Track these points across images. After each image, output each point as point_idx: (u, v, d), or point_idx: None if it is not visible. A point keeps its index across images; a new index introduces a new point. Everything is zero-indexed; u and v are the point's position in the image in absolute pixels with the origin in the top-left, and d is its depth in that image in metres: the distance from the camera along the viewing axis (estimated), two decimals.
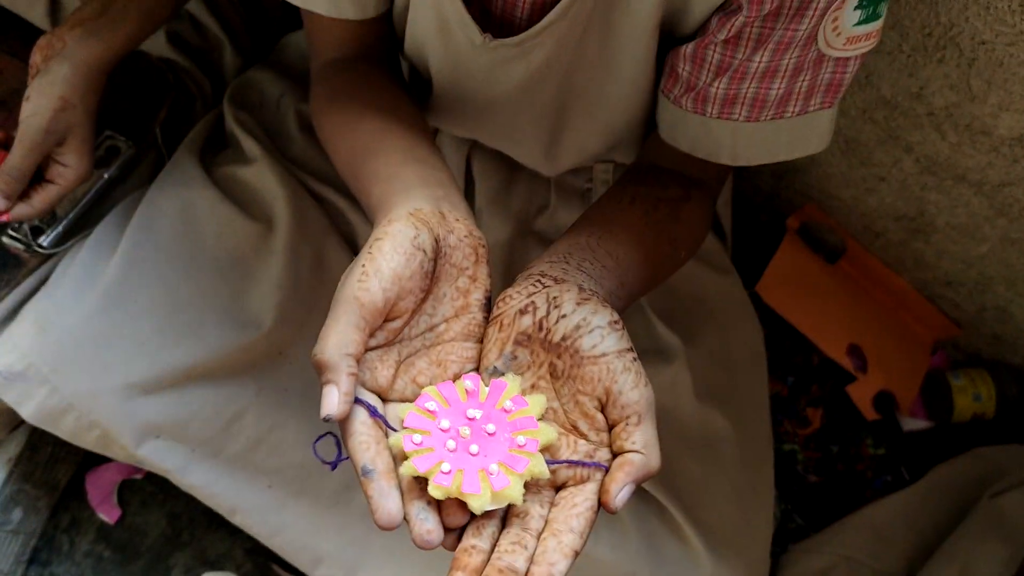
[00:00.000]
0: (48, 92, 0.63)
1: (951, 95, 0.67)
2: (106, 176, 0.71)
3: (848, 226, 0.88)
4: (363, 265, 0.40)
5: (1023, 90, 0.62)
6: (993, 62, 0.62)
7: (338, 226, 0.72)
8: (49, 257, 0.68)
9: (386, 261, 0.40)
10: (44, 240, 0.68)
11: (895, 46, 0.67)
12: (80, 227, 0.70)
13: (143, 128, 0.75)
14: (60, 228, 0.69)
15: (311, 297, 0.68)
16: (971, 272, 0.82)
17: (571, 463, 0.39)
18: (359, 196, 0.52)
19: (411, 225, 0.41)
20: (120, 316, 0.64)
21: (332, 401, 0.37)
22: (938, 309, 0.87)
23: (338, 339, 0.38)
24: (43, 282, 0.66)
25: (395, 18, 0.60)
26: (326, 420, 0.37)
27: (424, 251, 0.41)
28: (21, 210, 0.64)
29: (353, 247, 0.72)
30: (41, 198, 0.64)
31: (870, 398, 0.85)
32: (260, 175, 0.70)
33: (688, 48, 0.52)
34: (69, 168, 0.65)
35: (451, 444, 0.38)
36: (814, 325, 0.84)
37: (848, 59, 0.50)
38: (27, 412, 0.63)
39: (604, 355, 0.39)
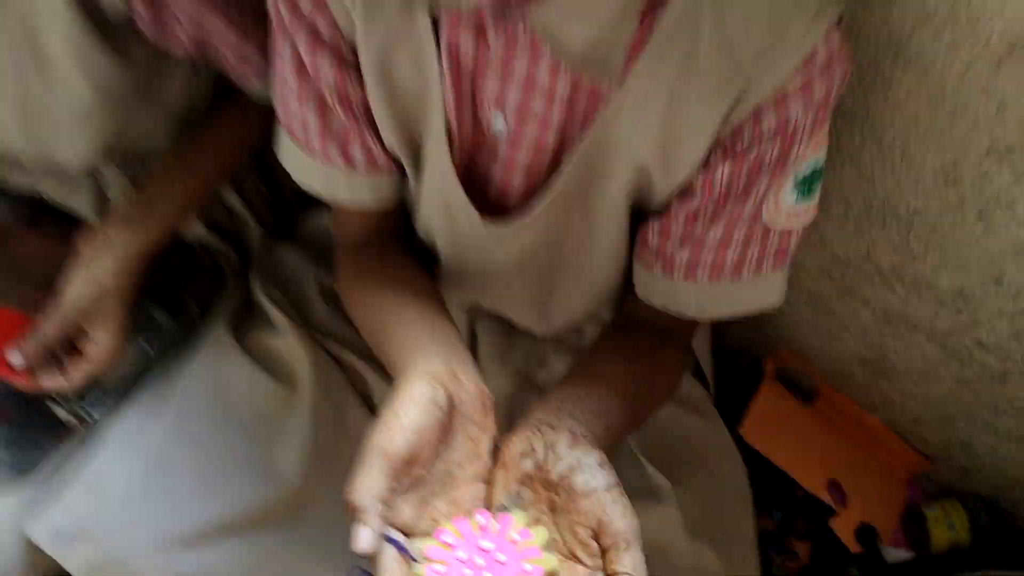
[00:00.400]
0: (90, 281, 0.71)
1: (895, 255, 0.76)
2: (148, 350, 0.79)
3: (820, 370, 0.96)
4: (389, 420, 0.47)
5: (956, 250, 0.72)
6: (927, 227, 0.72)
7: (356, 386, 0.79)
8: (96, 422, 0.75)
9: (408, 417, 0.47)
10: (92, 408, 0.75)
11: (843, 214, 0.77)
12: (123, 392, 0.77)
13: (179, 300, 0.83)
14: (106, 398, 0.76)
15: (333, 452, 0.74)
16: (933, 411, 0.89)
17: None
18: (381, 357, 0.60)
19: (429, 385, 0.49)
20: (162, 477, 0.70)
21: (364, 538, 0.43)
22: (908, 445, 0.94)
23: (368, 484, 0.45)
24: (92, 446, 0.73)
25: (408, 204, 0.70)
26: (358, 555, 0.43)
27: (440, 408, 0.48)
28: (56, 382, 0.71)
29: (370, 405, 0.79)
30: (74, 371, 0.71)
31: (852, 531, 0.90)
32: (285, 342, 0.78)
33: (655, 223, 0.62)
34: (100, 346, 0.72)
35: (468, 573, 0.44)
36: (794, 462, 0.91)
37: (790, 230, 0.60)
38: (74, 567, 0.68)
39: (595, 490, 0.46)
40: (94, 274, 0.72)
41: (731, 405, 0.94)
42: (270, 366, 0.77)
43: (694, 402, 0.83)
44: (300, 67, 0.61)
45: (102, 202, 0.86)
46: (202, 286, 0.85)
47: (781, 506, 0.93)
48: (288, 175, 0.69)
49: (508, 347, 0.82)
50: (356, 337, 0.80)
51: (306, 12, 0.58)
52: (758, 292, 0.63)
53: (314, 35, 0.59)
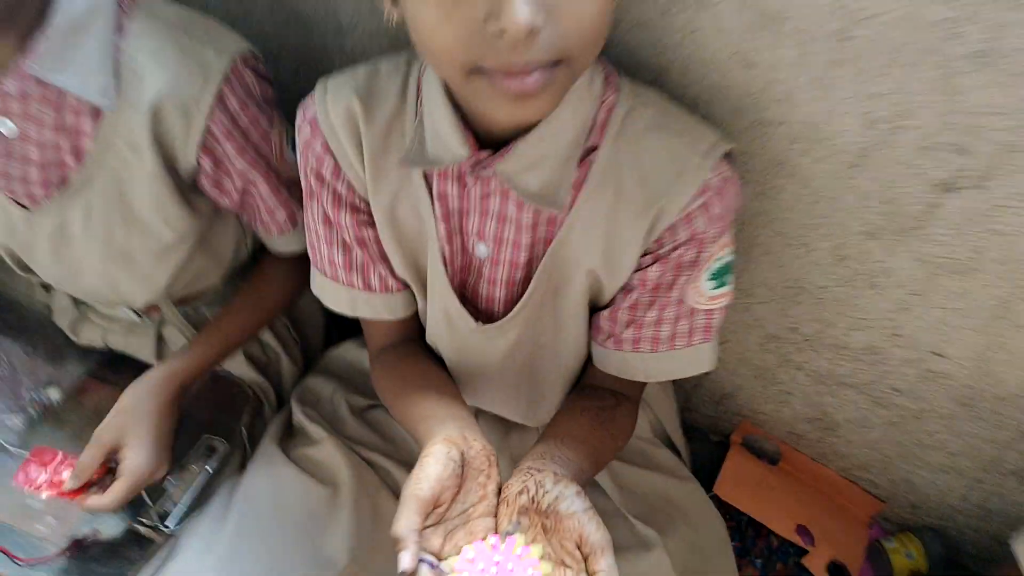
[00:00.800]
0: (117, 412, 0.88)
1: (814, 325, 0.94)
2: (209, 470, 0.94)
3: (777, 433, 1.11)
4: (417, 473, 0.63)
5: (858, 314, 0.89)
6: (832, 298, 0.90)
7: (388, 483, 0.94)
8: (174, 533, 0.89)
9: (432, 469, 0.63)
10: (169, 522, 0.89)
11: (767, 296, 0.95)
12: (194, 507, 0.91)
13: (231, 429, 0.99)
14: (179, 511, 0.90)
15: (373, 539, 0.88)
16: (874, 455, 1.04)
17: None
18: (410, 431, 0.76)
19: (446, 446, 0.65)
20: (233, 570, 0.84)
21: (406, 560, 0.58)
22: (862, 489, 1.09)
23: (406, 521, 0.60)
24: (173, 551, 0.86)
25: (420, 315, 0.88)
26: (405, 572, 0.58)
27: (455, 462, 0.64)
28: (97, 501, 0.84)
29: (394, 495, 0.93)
30: (112, 489, 0.84)
31: (824, 567, 1.03)
32: (325, 452, 0.93)
33: (606, 312, 0.79)
34: (127, 463, 0.85)
35: None
36: (766, 513, 1.05)
37: (711, 311, 0.77)
38: None
39: (575, 513, 0.61)
40: (122, 405, 0.88)
41: (707, 473, 1.09)
42: (314, 472, 0.92)
43: (671, 469, 0.99)
44: (326, 219, 0.80)
45: (161, 346, 1.03)
46: (249, 414, 1.01)
47: (760, 554, 1.06)
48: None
49: (505, 440, 0.98)
50: (384, 443, 0.97)
51: (329, 179, 0.77)
52: (692, 360, 0.80)
53: (336, 196, 0.78)
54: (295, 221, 0.93)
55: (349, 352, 1.07)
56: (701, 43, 0.75)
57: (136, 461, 0.86)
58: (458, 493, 0.65)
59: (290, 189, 0.90)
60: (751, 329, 1.00)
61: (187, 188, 0.86)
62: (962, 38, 0.64)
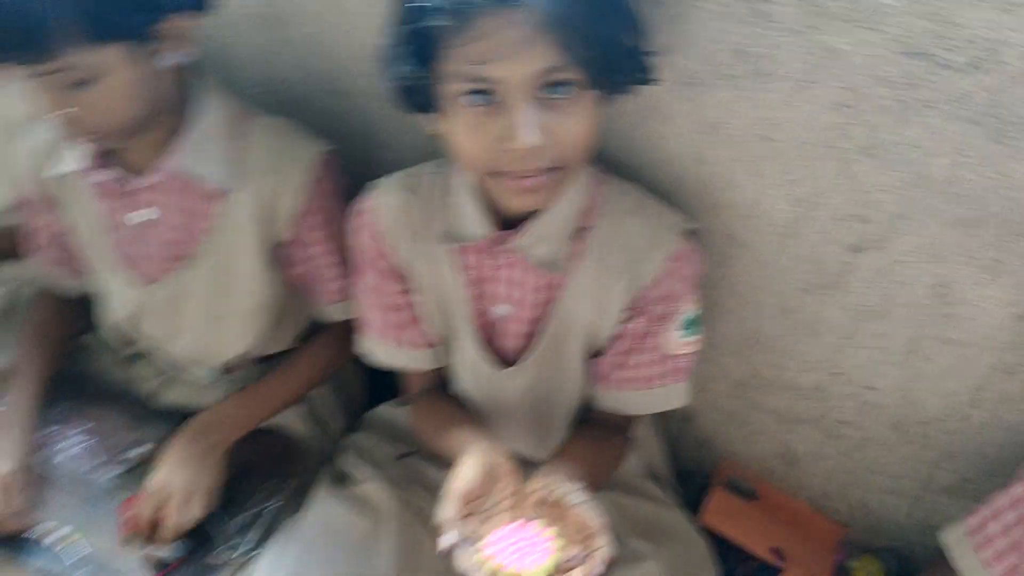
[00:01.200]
0: (162, 465, 1.06)
1: (770, 370, 1.15)
2: (271, 509, 1.12)
3: (752, 471, 1.30)
4: (456, 475, 0.83)
5: (803, 357, 1.10)
6: (781, 345, 1.11)
7: (422, 517, 1.11)
8: (247, 562, 1.07)
9: (467, 472, 0.83)
10: (238, 554, 1.07)
11: (731, 348, 1.16)
12: (260, 541, 1.08)
13: (289, 475, 1.17)
14: (247, 545, 1.07)
15: (414, 566, 1.04)
16: (832, 484, 1.23)
17: (573, 557, 0.79)
18: (447, 453, 0.95)
19: (478, 455, 0.85)
20: None
21: (447, 540, 0.78)
22: (826, 517, 1.27)
23: (447, 510, 0.80)
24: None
25: (448, 367, 1.09)
26: (447, 549, 0.77)
27: (485, 467, 0.84)
28: (153, 540, 1.03)
29: (430, 526, 1.11)
30: (163, 530, 1.01)
31: None
32: (371, 491, 1.11)
33: (600, 359, 1.00)
34: (180, 510, 1.02)
35: (512, 552, 0.78)
36: (745, 537, 1.22)
37: (685, 355, 0.98)
38: None
39: (578, 504, 0.81)
40: (167, 454, 1.06)
41: (696, 511, 1.27)
42: (361, 508, 1.09)
43: (660, 499, 1.17)
44: (375, 288, 1.02)
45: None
46: (303, 463, 1.20)
47: (742, 575, 1.23)
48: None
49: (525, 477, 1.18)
50: (419, 485, 1.15)
51: (376, 255, 1.00)
52: (670, 396, 1.01)
53: (383, 269, 1.01)
54: (345, 293, 1.14)
55: (387, 412, 1.27)
56: (664, 147, 1.00)
57: (185, 511, 1.03)
58: (488, 492, 0.84)
59: (343, 266, 1.12)
60: (720, 378, 1.20)
61: (273, 260, 1.08)
62: (851, 137, 0.88)
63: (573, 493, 0.82)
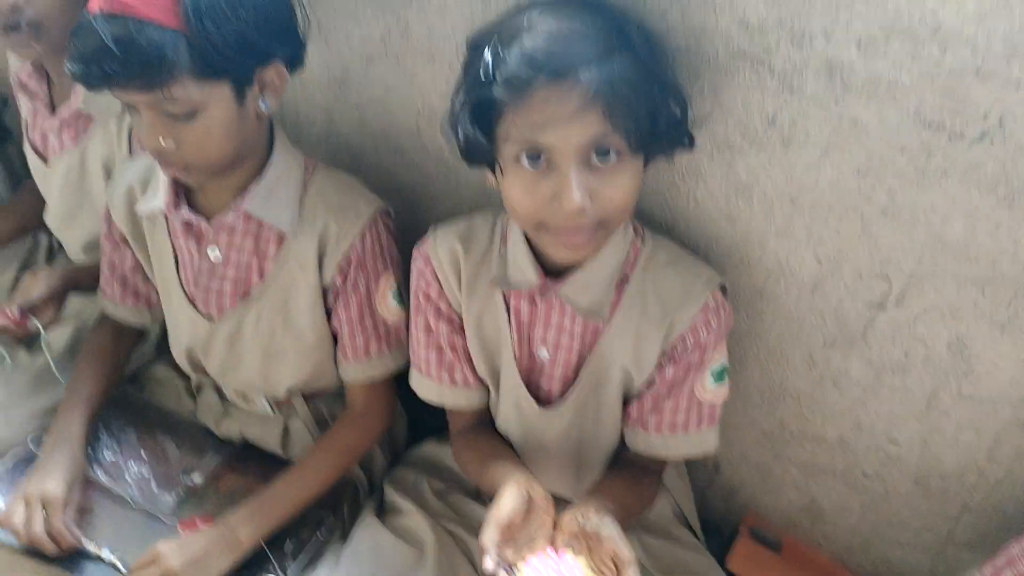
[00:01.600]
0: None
1: (796, 423, 1.20)
2: (320, 538, 1.18)
3: (777, 523, 1.34)
4: (496, 503, 0.89)
5: (828, 411, 1.16)
6: (808, 398, 1.17)
7: (461, 548, 1.17)
8: None
9: (507, 501, 0.89)
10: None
11: (758, 400, 1.21)
12: (309, 566, 1.15)
13: (336, 507, 1.23)
14: (296, 570, 1.13)
15: None
16: (855, 538, 1.27)
17: None
18: (488, 485, 1.01)
19: (517, 486, 0.91)
20: None
21: (489, 564, 0.83)
22: (849, 570, 1.30)
23: (489, 536, 0.85)
24: None
25: (491, 407, 1.16)
26: (489, 573, 0.83)
27: (524, 498, 0.90)
28: None
29: (470, 558, 1.17)
30: None
31: None
32: (413, 522, 1.17)
33: (635, 402, 1.07)
34: None
35: None
36: None
37: (714, 403, 1.05)
38: None
39: (611, 536, 0.86)
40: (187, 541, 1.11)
41: (723, 562, 1.31)
42: (404, 537, 1.15)
43: (689, 543, 1.22)
44: (427, 328, 1.10)
45: (286, 438, 1.30)
46: (349, 496, 1.27)
47: None
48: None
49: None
50: (459, 517, 1.21)
51: (433, 298, 1.08)
52: (700, 441, 1.07)
53: (436, 311, 1.08)
54: (368, 353, 1.20)
55: (428, 449, 1.33)
56: (697, 206, 1.07)
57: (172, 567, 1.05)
58: (525, 522, 0.90)
59: (375, 327, 1.19)
60: (748, 429, 1.26)
61: (323, 303, 1.17)
62: (872, 200, 0.95)
63: (606, 525, 0.88)
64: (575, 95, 0.81)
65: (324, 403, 1.33)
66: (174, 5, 0.90)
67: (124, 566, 1.11)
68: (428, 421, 1.33)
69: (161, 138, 0.98)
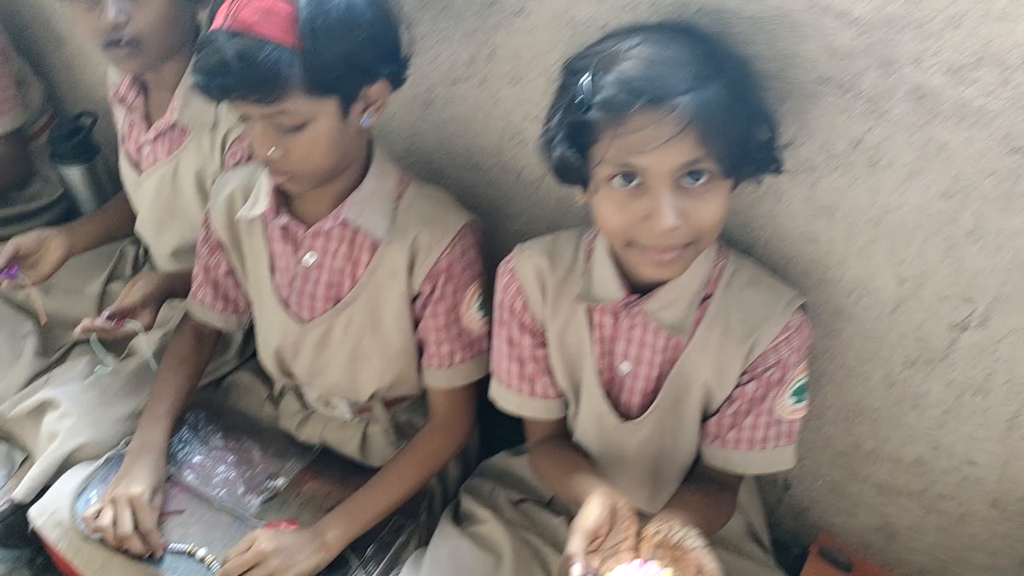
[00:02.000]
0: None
1: (872, 442, 1.21)
2: (399, 544, 1.22)
3: (849, 543, 1.34)
4: (581, 513, 0.91)
5: (906, 431, 1.16)
6: (885, 418, 1.17)
7: (537, 557, 1.19)
8: None
9: (593, 511, 0.91)
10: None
11: (833, 419, 1.22)
12: (387, 572, 1.18)
13: (413, 514, 1.27)
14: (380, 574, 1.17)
15: None
16: (931, 560, 1.27)
17: None
18: (570, 495, 1.03)
19: (603, 497, 0.93)
20: None
21: (577, 571, 0.85)
22: None
23: (575, 545, 0.88)
24: None
25: (568, 419, 1.18)
26: None
27: (609, 508, 0.92)
28: None
29: (545, 567, 1.19)
30: None
31: None
32: (491, 530, 1.20)
33: (713, 418, 1.09)
34: None
35: None
36: None
37: (792, 420, 1.06)
38: None
39: (696, 548, 0.88)
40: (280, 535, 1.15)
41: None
42: (482, 545, 1.19)
43: (761, 560, 1.23)
44: (511, 340, 1.13)
45: (365, 443, 1.34)
46: (425, 505, 1.30)
47: None
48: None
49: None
50: (534, 527, 1.23)
51: (518, 311, 1.11)
52: (778, 458, 1.08)
53: (520, 324, 1.12)
54: (453, 361, 1.24)
55: (501, 460, 1.36)
56: (779, 225, 1.10)
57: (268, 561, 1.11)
58: (609, 533, 0.93)
59: (460, 335, 1.23)
60: (822, 448, 1.27)
61: (410, 311, 1.21)
62: (957, 223, 0.96)
63: (692, 537, 0.90)
64: (671, 120, 0.84)
65: (403, 411, 1.37)
66: (291, 25, 0.95)
67: (213, 563, 1.16)
68: (496, 433, 1.36)
69: (272, 148, 1.03)
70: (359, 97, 1.05)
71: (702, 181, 0.89)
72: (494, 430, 1.39)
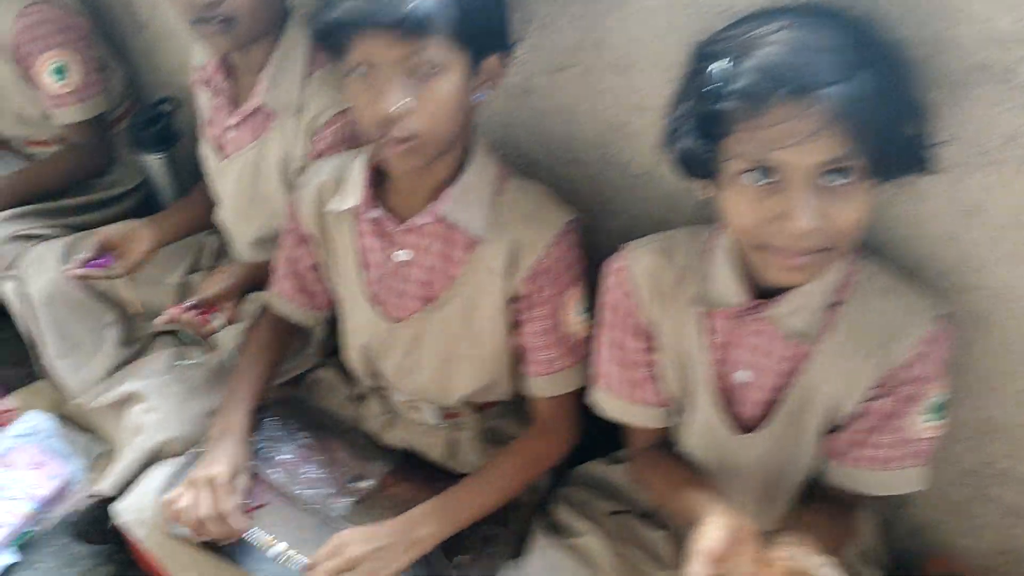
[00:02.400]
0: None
1: (1006, 460, 1.12)
2: (490, 552, 1.17)
3: (970, 567, 1.26)
4: (703, 533, 0.85)
5: None
6: (1020, 439, 1.08)
7: (636, 570, 1.13)
8: None
9: (714, 531, 0.84)
10: None
11: (965, 435, 1.14)
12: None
13: (503, 524, 1.21)
14: None
15: None
16: None
17: None
18: (681, 509, 0.98)
19: (723, 516, 0.87)
20: None
21: None
22: None
23: (698, 568, 0.81)
24: None
25: (673, 428, 1.11)
26: None
27: (727, 529, 0.85)
28: None
29: None
30: None
31: None
32: (589, 542, 1.14)
33: (837, 434, 1.01)
34: None
35: None
36: None
37: (927, 439, 0.98)
38: None
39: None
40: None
41: None
42: (582, 561, 1.13)
43: None
44: (616, 345, 1.07)
45: (452, 450, 1.29)
46: (517, 514, 1.25)
47: None
48: None
49: None
50: (632, 539, 1.17)
51: (625, 313, 1.04)
52: (907, 479, 1.00)
53: (628, 327, 1.05)
54: (555, 367, 1.18)
55: (597, 469, 1.30)
56: (916, 225, 1.01)
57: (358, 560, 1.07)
58: (732, 555, 0.86)
59: (562, 340, 1.16)
60: (947, 465, 1.18)
61: (508, 313, 1.15)
62: None
63: (822, 567, 0.83)
64: (815, 113, 0.76)
65: (492, 416, 1.32)
66: None
67: (300, 561, 1.12)
68: (587, 442, 1.29)
69: (401, 100, 0.96)
70: (480, 66, 1.02)
71: (844, 181, 0.81)
72: (583, 438, 1.32)
